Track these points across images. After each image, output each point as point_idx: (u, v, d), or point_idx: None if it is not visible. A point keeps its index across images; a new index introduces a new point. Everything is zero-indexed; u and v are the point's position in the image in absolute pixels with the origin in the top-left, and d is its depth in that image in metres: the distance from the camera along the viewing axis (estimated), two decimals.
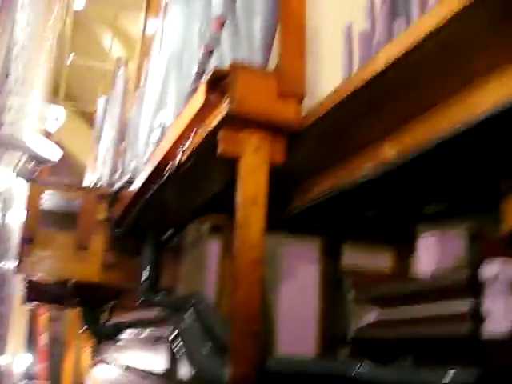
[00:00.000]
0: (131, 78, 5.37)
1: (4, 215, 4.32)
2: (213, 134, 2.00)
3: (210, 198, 2.73)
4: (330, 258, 3.01)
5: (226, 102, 1.88)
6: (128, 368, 4.57)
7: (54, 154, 4.03)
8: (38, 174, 4.31)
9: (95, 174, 5.51)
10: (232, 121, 1.92)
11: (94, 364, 6.52)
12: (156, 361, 3.53)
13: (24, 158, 4.37)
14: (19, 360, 11.43)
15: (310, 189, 2.50)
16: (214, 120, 1.97)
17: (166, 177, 2.55)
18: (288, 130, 1.99)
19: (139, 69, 5.09)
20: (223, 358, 2.17)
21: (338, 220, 2.90)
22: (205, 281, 2.92)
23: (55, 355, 9.30)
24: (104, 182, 4.59)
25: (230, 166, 2.01)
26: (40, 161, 4.14)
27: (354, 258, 3.00)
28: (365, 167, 2.09)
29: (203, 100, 1.97)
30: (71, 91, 11.10)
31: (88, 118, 10.24)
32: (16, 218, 4.70)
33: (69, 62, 10.19)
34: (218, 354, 2.33)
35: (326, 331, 2.91)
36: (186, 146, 2.23)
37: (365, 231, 2.99)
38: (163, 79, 3.20)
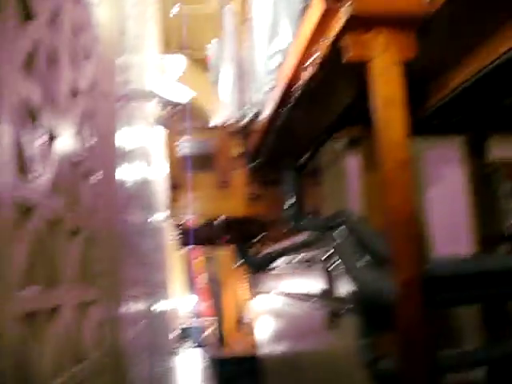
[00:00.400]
0: (237, 13, 5.34)
1: (147, 169, 4.55)
2: (337, 42, 1.94)
3: (342, 113, 2.67)
4: (475, 155, 2.89)
5: (346, 5, 1.81)
6: (286, 294, 4.72)
7: (184, 95, 4.12)
8: (173, 121, 4.45)
9: (222, 114, 5.62)
10: (355, 23, 1.84)
11: (253, 295, 6.81)
12: (313, 283, 3.61)
13: (158, 107, 4.53)
14: (184, 301, 12.31)
15: (444, 84, 2.37)
16: (336, 27, 1.90)
17: (294, 98, 2.53)
18: (414, 21, 1.88)
19: (244, 3, 5.04)
20: (382, 269, 2.16)
21: (477, 113, 2.75)
22: (349, 196, 2.90)
23: (215, 292, 9.81)
24: (233, 119, 4.67)
25: (360, 72, 1.94)
26: (173, 105, 4.26)
27: (501, 151, 2.86)
28: (501, 49, 1.94)
29: (322, 9, 1.90)
30: (181, 40, 11.29)
31: (200, 63, 10.41)
32: (157, 170, 4.92)
33: (173, 12, 10.32)
34: (376, 266, 2.32)
35: (480, 229, 2.82)
36: (311, 61, 2.18)
37: (507, 122, 2.82)
38: (272, 5, 3.14)
